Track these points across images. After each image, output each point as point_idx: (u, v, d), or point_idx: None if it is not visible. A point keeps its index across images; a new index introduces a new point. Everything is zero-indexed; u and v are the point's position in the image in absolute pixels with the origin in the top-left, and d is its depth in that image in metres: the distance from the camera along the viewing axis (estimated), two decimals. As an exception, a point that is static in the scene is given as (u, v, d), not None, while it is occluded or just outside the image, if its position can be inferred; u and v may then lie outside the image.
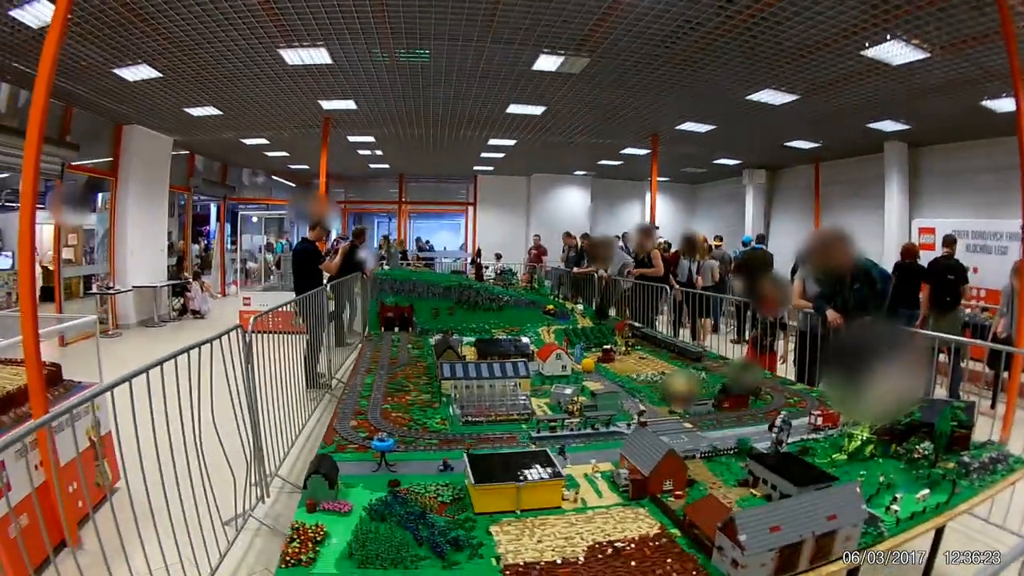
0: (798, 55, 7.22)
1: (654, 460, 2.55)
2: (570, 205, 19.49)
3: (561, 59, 7.90)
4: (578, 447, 3.20)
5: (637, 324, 6.78)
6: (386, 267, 8.12)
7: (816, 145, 12.98)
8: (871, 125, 10.69)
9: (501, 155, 16.00)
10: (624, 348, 5.74)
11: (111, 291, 11.01)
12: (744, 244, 11.35)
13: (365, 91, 9.64)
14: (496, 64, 8.20)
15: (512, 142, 14.01)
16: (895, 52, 6.87)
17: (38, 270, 10.15)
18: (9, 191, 10.23)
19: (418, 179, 21.59)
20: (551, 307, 7.34)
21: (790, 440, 3.12)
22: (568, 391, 3.89)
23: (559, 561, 2.06)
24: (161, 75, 8.32)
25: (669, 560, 2.06)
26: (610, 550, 2.13)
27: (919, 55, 6.90)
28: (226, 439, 3.62)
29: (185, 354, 3.18)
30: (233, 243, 18.96)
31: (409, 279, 7.32)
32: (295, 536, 2.16)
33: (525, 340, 5.43)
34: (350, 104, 10.40)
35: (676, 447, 3.01)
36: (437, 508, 2.44)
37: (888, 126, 10.74)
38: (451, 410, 3.79)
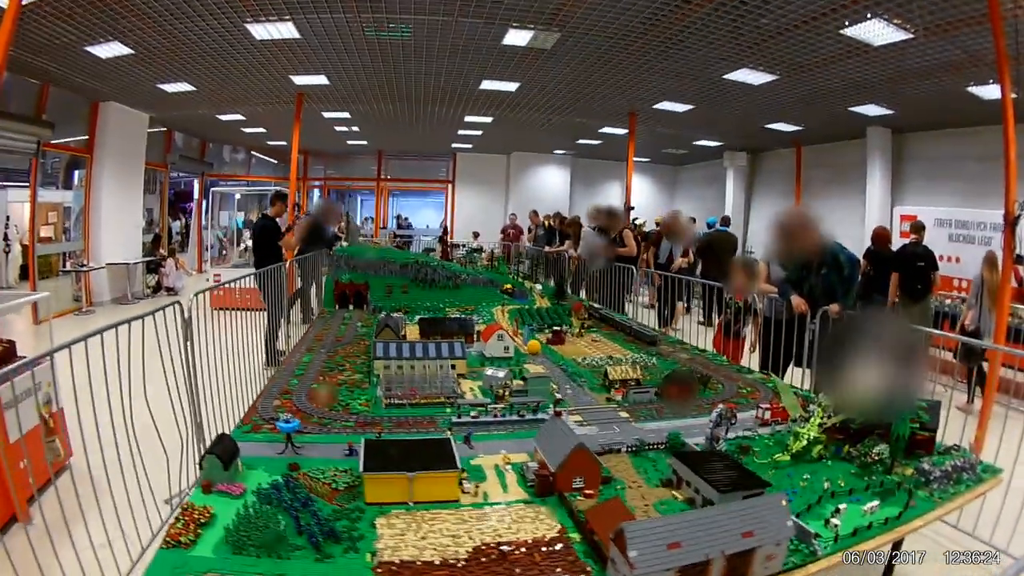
0: (776, 33, 6.90)
1: (564, 454, 2.29)
2: (550, 184, 19.21)
3: (531, 34, 7.56)
4: (498, 435, 2.95)
5: (597, 305, 6.53)
6: (344, 244, 7.78)
7: (798, 128, 12.69)
8: (854, 109, 10.39)
9: (478, 132, 15.61)
10: (578, 330, 5.48)
11: (84, 268, 10.70)
12: (708, 226, 10.96)
13: (336, 66, 9.23)
14: (465, 39, 7.86)
15: (488, 119, 13.64)
16: (876, 32, 6.56)
17: (17, 248, 9.88)
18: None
19: (398, 156, 21.16)
20: (509, 286, 7.08)
21: (731, 436, 2.88)
22: (501, 374, 3.62)
23: (437, 562, 1.85)
24: (133, 52, 7.98)
25: (558, 569, 1.81)
26: (495, 553, 1.89)
27: (901, 36, 6.60)
28: (168, 416, 3.46)
29: (127, 327, 3.08)
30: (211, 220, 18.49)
31: (365, 256, 7.01)
32: (181, 517, 2.01)
33: (472, 319, 5.16)
34: (322, 79, 9.98)
35: (603, 439, 2.80)
36: (329, 495, 2.27)
37: (871, 110, 10.45)
38: (377, 391, 3.53)
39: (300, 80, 9.92)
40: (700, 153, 17.44)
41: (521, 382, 3.57)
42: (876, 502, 2.27)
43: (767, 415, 3.15)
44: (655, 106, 10.94)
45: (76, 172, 11.60)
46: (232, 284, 6.06)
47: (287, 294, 7.02)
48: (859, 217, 11.87)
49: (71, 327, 5.06)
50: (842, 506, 2.19)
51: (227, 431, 4.29)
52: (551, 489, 2.29)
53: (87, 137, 11.21)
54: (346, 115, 13.50)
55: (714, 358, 4.81)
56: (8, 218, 10.15)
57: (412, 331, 5.15)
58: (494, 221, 18.37)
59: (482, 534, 2.01)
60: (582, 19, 6.97)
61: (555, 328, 5.20)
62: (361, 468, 2.25)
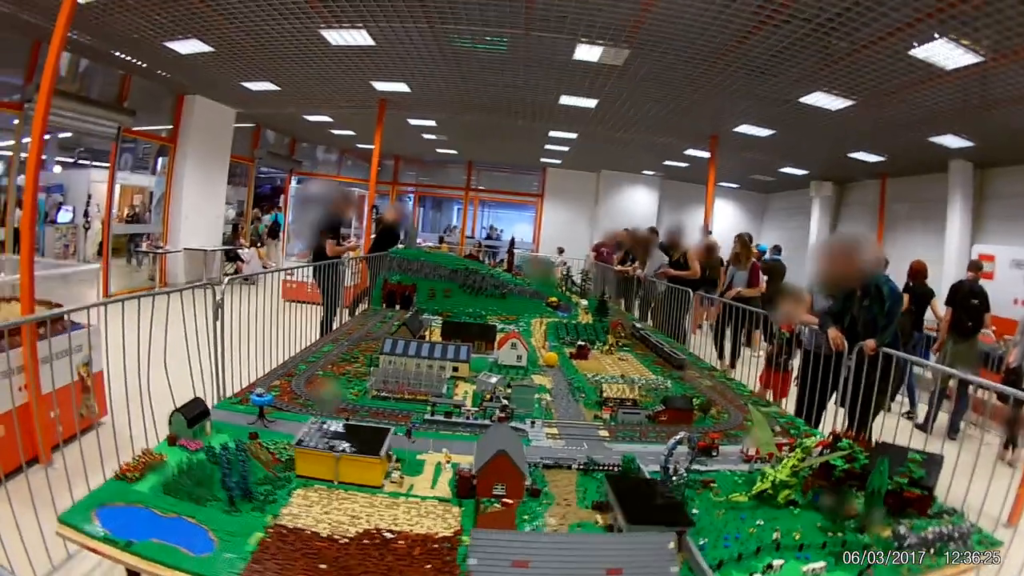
0: (845, 55, 6.68)
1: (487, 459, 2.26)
2: (638, 204, 19.04)
3: (601, 50, 7.58)
4: (460, 436, 2.95)
5: (639, 325, 6.35)
6: (401, 246, 8.03)
7: (880, 159, 12.23)
8: (934, 139, 9.89)
9: (565, 148, 15.74)
10: (607, 347, 5.35)
11: (159, 251, 11.64)
12: (760, 253, 10.57)
13: (416, 75, 9.66)
14: (538, 53, 8.02)
15: (573, 135, 13.73)
16: (945, 54, 6.27)
17: (97, 226, 10.91)
18: (83, 149, 11.02)
19: (488, 168, 21.61)
20: (554, 299, 7.03)
21: (704, 468, 2.71)
22: (492, 380, 3.62)
23: (323, 535, 1.94)
24: (213, 50, 8.66)
25: (428, 567, 1.80)
26: (379, 539, 1.92)
27: (971, 59, 6.27)
28: (195, 387, 3.71)
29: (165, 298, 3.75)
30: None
31: (418, 259, 7.21)
32: (138, 458, 2.28)
33: (495, 327, 5.18)
34: (402, 87, 10.45)
35: (561, 454, 2.72)
36: (270, 463, 2.42)
37: (951, 141, 9.89)
38: (367, 383, 3.63)
39: (381, 86, 10.41)
40: (787, 182, 16.93)
41: (509, 389, 3.54)
42: (823, 564, 1.97)
43: (751, 450, 2.93)
44: (735, 129, 10.71)
45: (160, 159, 12.54)
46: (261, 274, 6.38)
47: (348, 290, 7.31)
48: (939, 255, 11.10)
49: (146, 306, 5.56)
50: (777, 562, 1.94)
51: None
52: (470, 491, 2.27)
53: (172, 127, 12.16)
54: (432, 123, 13.98)
55: (739, 388, 4.52)
56: (90, 197, 11.06)
57: (437, 334, 5.23)
58: (581, 238, 18.38)
59: (380, 520, 2.05)
60: (650, 36, 6.95)
61: (579, 343, 5.10)
62: (295, 442, 2.38)
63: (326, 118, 14.01)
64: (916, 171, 12.95)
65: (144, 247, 11.84)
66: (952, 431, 6.40)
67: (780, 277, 9.73)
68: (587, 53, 7.79)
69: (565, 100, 10.47)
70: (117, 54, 9.24)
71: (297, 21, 7.29)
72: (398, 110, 12.28)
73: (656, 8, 6.16)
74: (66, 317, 4.43)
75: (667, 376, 4.56)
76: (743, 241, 8.23)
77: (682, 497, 2.28)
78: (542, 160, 18.90)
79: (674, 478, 2.45)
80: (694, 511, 2.26)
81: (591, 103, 10.41)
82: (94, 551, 1.82)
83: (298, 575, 1.74)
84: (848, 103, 8.31)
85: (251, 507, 2.08)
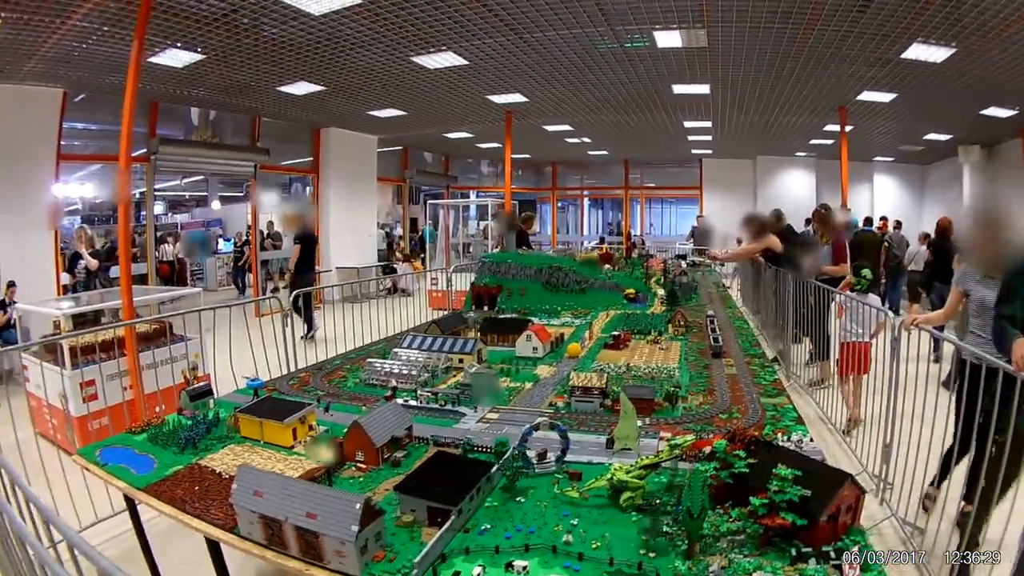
0: None
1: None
2: (795, 187, 17.84)
3: (678, 33, 7.40)
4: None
5: (711, 313, 6.03)
6: (496, 250, 8.48)
7: (1013, 113, 10.61)
8: None
9: (707, 138, 15.17)
10: (654, 336, 5.25)
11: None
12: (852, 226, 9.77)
13: (525, 85, 10.12)
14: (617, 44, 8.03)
15: (707, 123, 13.21)
16: None
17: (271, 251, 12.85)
18: (236, 186, 12.99)
19: (643, 165, 21.48)
20: (632, 291, 6.98)
21: (607, 461, 2.62)
22: (474, 369, 3.89)
23: (217, 471, 2.64)
24: (324, 88, 9.90)
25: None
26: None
27: None
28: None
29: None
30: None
31: (505, 261, 7.61)
32: (146, 418, 3.36)
33: (530, 320, 5.42)
34: (518, 97, 10.94)
35: (457, 435, 2.92)
36: (231, 427, 3.12)
37: None
38: (361, 373, 4.13)
39: (498, 99, 10.98)
40: (937, 150, 15.11)
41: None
42: None
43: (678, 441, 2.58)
44: (858, 98, 9.72)
45: (308, 188, 14.30)
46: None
47: None
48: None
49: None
50: (520, 563, 1.84)
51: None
52: (342, 457, 2.67)
53: (312, 159, 13.82)
54: (567, 127, 14.28)
55: (763, 378, 4.16)
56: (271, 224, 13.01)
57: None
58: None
59: (261, 466, 2.61)
60: (721, 13, 6.66)
61: (615, 334, 5.11)
62: (238, 410, 3.08)
63: (466, 134, 15.00)
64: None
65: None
66: None
67: (870, 250, 8.70)
68: (668, 39, 7.62)
69: (678, 89, 10.20)
70: (238, 102, 10.84)
71: (387, 54, 8.13)
72: (526, 119, 12.80)
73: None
74: (174, 329, 5.65)
75: (700, 365, 4.40)
76: (819, 215, 7.25)
77: (512, 482, 2.39)
78: (693, 152, 18.32)
79: (535, 465, 2.57)
80: (519, 498, 2.34)
81: (704, 89, 10.04)
82: (86, 469, 2.85)
83: (177, 490, 2.47)
84: (950, 51, 7.36)
85: (193, 453, 2.87)
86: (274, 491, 1.97)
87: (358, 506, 1.83)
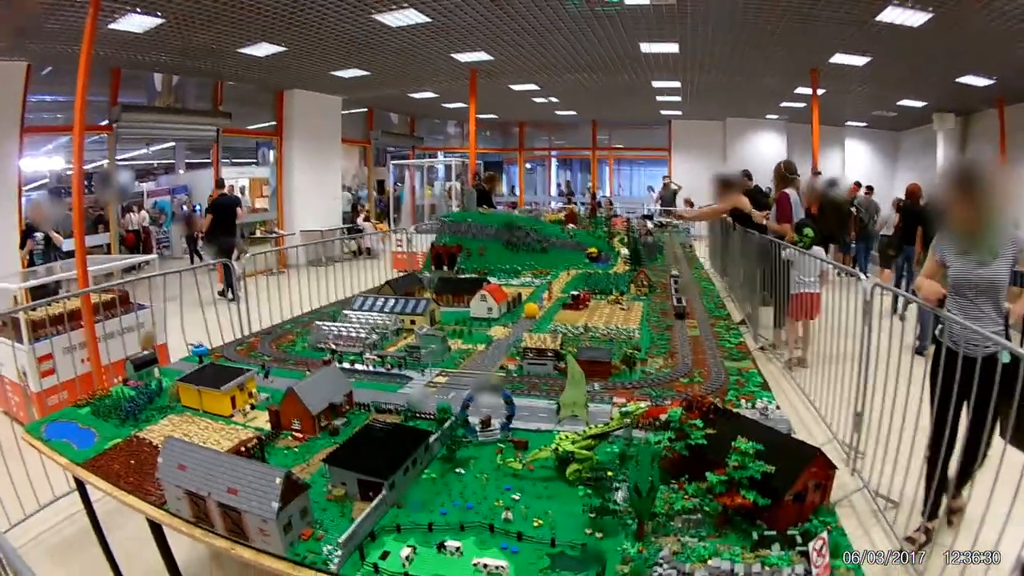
0: None
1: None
2: (766, 151, 17.82)
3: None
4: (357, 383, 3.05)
5: (676, 273, 5.87)
6: (455, 208, 8.22)
7: (990, 82, 10.70)
8: None
9: (677, 98, 14.96)
10: (615, 296, 5.09)
11: (274, 235, 12.94)
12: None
13: (491, 43, 9.69)
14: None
15: (676, 83, 12.96)
16: None
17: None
18: (203, 151, 12.52)
19: (612, 125, 21.20)
20: (593, 250, 6.81)
21: (560, 428, 2.38)
22: (424, 331, 3.68)
23: (154, 443, 2.46)
24: (286, 49, 9.43)
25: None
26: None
27: None
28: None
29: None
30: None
31: (465, 220, 7.35)
32: (92, 391, 3.16)
33: (488, 280, 5.21)
34: (483, 55, 10.49)
35: (398, 400, 2.72)
36: (174, 396, 2.92)
37: None
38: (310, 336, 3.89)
39: (463, 57, 10.52)
40: (911, 117, 15.28)
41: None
42: (504, 564, 1.60)
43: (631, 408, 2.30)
44: (831, 60, 9.71)
45: (272, 151, 13.79)
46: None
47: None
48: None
49: (273, 286, 6.63)
50: (452, 543, 1.70)
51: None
52: (279, 424, 2.49)
53: (275, 122, 13.32)
54: (534, 87, 13.88)
55: (729, 340, 4.03)
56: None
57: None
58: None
59: (196, 438, 2.45)
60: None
61: (573, 293, 4.93)
62: (179, 379, 2.87)
63: (431, 94, 14.50)
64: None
65: (258, 233, 13.21)
66: None
67: (834, 214, 8.71)
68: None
69: (646, 48, 9.91)
70: (201, 66, 10.42)
71: (348, 11, 7.70)
72: (492, 78, 12.35)
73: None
74: (132, 299, 5.29)
75: (662, 327, 4.24)
76: (777, 170, 6.83)
77: (451, 453, 2.21)
78: (663, 112, 18.09)
79: (478, 433, 2.38)
80: (459, 470, 2.16)
81: (672, 48, 9.77)
82: (31, 445, 2.68)
83: (114, 465, 2.32)
84: (927, 15, 7.26)
85: (134, 425, 2.69)
86: (198, 465, 1.80)
87: (278, 480, 1.66)
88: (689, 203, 15.79)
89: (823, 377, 4.99)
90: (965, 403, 3.05)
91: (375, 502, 1.83)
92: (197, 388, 2.75)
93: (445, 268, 7.00)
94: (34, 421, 2.98)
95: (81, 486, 2.78)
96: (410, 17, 8.06)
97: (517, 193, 22.47)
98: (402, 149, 19.62)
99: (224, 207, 9.85)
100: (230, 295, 8.49)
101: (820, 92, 11.09)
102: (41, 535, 3.55)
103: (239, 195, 13.41)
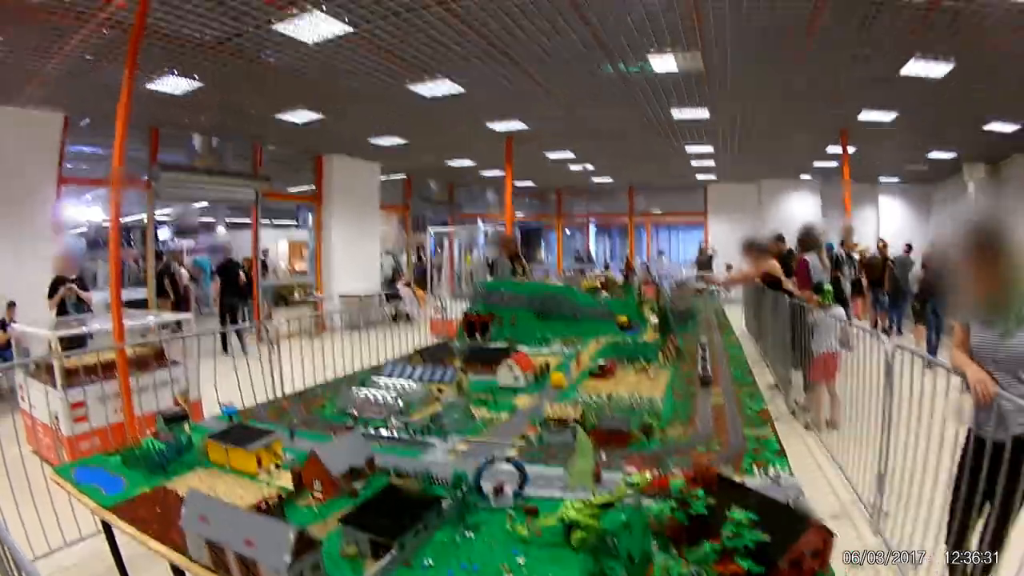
0: (924, 10, 5.86)
1: (313, 458, 2.59)
2: (800, 211, 17.85)
3: (673, 57, 7.41)
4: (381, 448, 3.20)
5: (704, 340, 5.92)
6: (489, 278, 8.44)
7: (1017, 127, 10.61)
8: None
9: (711, 163, 15.19)
10: (643, 365, 5.13)
11: (311, 299, 13.34)
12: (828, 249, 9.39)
13: (525, 112, 10.21)
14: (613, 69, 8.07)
15: (709, 148, 13.21)
16: None
17: (273, 279, 12.93)
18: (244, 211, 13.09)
19: (646, 190, 21.63)
20: (624, 318, 6.86)
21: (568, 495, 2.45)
22: (448, 399, 3.82)
23: (180, 494, 2.59)
24: (323, 116, 9.99)
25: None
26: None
27: None
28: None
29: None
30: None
31: (498, 289, 7.54)
32: (126, 442, 3.39)
33: (521, 350, 5.31)
34: (518, 124, 11.00)
35: (417, 467, 2.83)
36: (204, 452, 3.11)
37: None
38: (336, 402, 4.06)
39: (498, 126, 11.02)
40: (941, 168, 15.21)
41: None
42: None
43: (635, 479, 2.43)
44: (859, 118, 9.64)
45: (311, 213, 14.18)
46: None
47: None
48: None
49: (307, 347, 6.81)
50: None
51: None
52: (300, 483, 2.63)
53: (315, 187, 13.82)
54: (570, 154, 14.32)
55: (751, 406, 4.03)
56: (267, 252, 13.07)
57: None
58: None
59: (223, 491, 2.62)
60: (711, 34, 6.68)
61: (601, 363, 5.01)
62: (208, 436, 3.08)
63: (468, 162, 15.07)
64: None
65: (297, 296, 13.67)
66: None
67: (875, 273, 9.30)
68: (664, 64, 7.66)
69: (677, 114, 10.22)
70: (240, 129, 11.03)
71: (384, 82, 8.21)
72: (529, 145, 12.81)
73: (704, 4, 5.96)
74: (167, 355, 5.59)
75: (687, 394, 4.29)
76: (798, 236, 7.15)
77: (462, 517, 2.31)
78: (698, 177, 18.39)
79: (491, 499, 2.47)
80: (467, 533, 2.25)
81: (703, 113, 10.05)
82: (59, 485, 2.90)
83: (140, 511, 2.50)
84: (949, 66, 7.38)
85: (162, 475, 2.88)
86: (217, 517, 1.96)
87: (290, 535, 1.79)
88: (729, 267, 15.88)
89: (849, 437, 4.96)
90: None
91: (383, 561, 1.94)
92: (224, 446, 2.94)
93: (478, 336, 7.15)
94: (64, 463, 3.24)
95: (108, 529, 2.96)
96: (444, 88, 8.56)
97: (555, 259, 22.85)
98: (441, 215, 20.27)
99: (228, 270, 10.76)
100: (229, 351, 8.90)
101: (851, 150, 11.21)
102: (68, 569, 3.80)
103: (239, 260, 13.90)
